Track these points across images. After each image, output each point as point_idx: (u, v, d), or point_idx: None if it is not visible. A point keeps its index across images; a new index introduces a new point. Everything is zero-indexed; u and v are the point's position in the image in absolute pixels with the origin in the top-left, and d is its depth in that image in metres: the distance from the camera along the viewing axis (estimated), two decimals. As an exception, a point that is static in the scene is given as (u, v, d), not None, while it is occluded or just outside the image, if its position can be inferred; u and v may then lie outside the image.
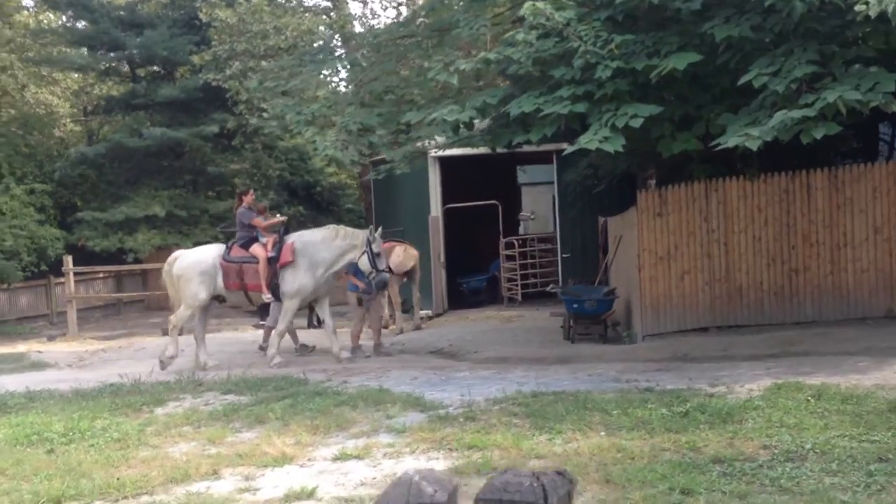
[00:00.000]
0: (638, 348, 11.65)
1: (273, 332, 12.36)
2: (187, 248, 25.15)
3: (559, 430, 6.78)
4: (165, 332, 18.08)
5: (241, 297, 12.14)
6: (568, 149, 8.89)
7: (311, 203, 30.82)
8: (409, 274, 16.46)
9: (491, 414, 7.54)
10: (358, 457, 6.45)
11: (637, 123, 8.16)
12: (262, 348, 13.14)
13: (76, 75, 29.42)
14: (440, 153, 18.42)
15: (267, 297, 11.85)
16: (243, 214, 12.26)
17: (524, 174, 23.19)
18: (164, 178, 26.65)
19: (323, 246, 11.80)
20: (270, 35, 20.26)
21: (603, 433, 6.66)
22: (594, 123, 8.29)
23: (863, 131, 15.09)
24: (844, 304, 11.42)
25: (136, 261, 24.43)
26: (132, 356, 14.04)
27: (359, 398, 8.44)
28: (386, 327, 16.77)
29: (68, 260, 19.28)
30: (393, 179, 22.53)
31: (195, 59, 23.08)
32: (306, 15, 24.21)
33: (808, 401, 7.37)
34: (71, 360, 14.05)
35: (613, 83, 8.40)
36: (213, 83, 20.83)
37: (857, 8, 6.90)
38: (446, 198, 20.13)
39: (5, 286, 21.45)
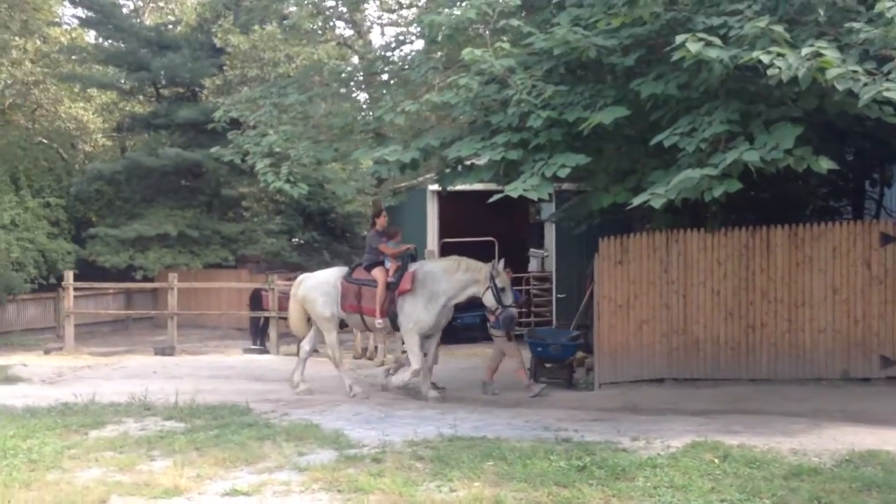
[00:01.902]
0: (592, 396, 11.71)
1: (410, 371, 11.72)
2: (196, 268, 25.86)
3: (450, 478, 6.88)
4: (158, 352, 18.56)
5: (358, 320, 11.97)
6: (494, 196, 9.07)
7: (326, 229, 31.28)
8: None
9: (400, 456, 7.65)
10: (247, 494, 6.61)
11: (564, 173, 8.32)
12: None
13: (110, 92, 30.32)
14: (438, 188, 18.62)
15: (380, 323, 11.60)
16: (373, 238, 12.02)
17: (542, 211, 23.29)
18: (179, 197, 27.27)
19: (444, 277, 11.40)
20: (282, 63, 20.71)
21: (489, 484, 6.73)
22: (526, 171, 8.47)
23: (849, 189, 15.07)
24: (800, 364, 11.35)
25: (146, 278, 25.00)
26: (107, 375, 14.35)
27: (285, 432, 8.61)
28: (370, 359, 17.04)
29: (69, 275, 19.79)
30: (398, 211, 22.85)
31: (207, 82, 23.67)
32: (329, 44, 24.78)
33: (713, 462, 7.38)
34: (48, 376, 14.39)
35: (548, 133, 8.59)
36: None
37: (770, 72, 6.99)
38: (445, 232, 20.35)
39: (12, 297, 22.05)
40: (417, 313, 11.33)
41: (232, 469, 7.32)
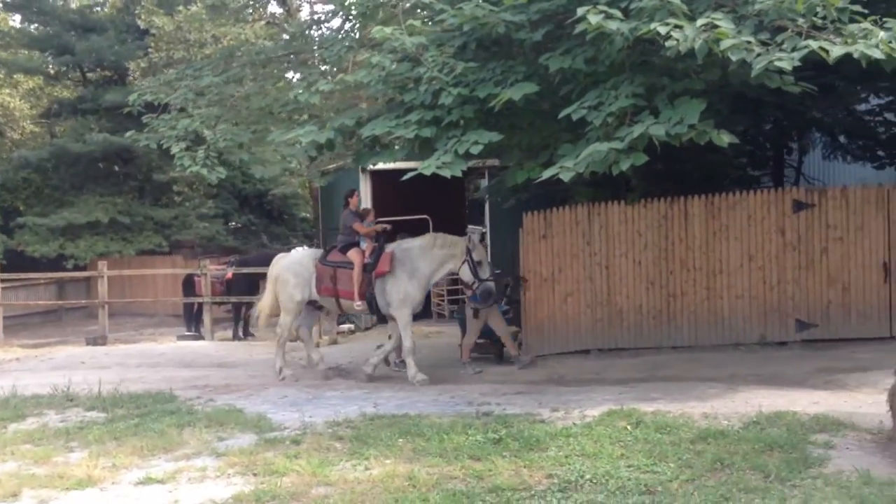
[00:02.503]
0: (515, 370, 11.84)
1: (403, 351, 11.38)
2: (129, 255, 25.46)
3: (367, 457, 6.95)
4: (90, 342, 18.26)
5: (333, 303, 11.66)
6: (408, 174, 9.11)
7: (262, 212, 30.99)
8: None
9: (320, 437, 7.69)
10: (161, 481, 6.59)
11: (477, 150, 8.38)
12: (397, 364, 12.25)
13: (36, 77, 29.50)
14: (371, 167, 18.56)
15: (359, 305, 11.35)
16: (347, 218, 11.71)
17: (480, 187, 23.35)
18: (110, 184, 26.76)
19: (421, 254, 11.18)
20: (208, 44, 20.38)
21: (405, 460, 6.81)
22: (440, 148, 8.51)
23: (770, 158, 15.42)
24: (719, 330, 11.65)
25: (77, 267, 24.51)
26: (34, 367, 14.09)
27: (206, 418, 8.58)
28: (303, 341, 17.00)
29: (-8, 267, 19.29)
30: (335, 191, 22.72)
31: (132, 65, 23.23)
32: (259, 23, 24.43)
33: (626, 429, 7.56)
34: (-28, 370, 14.09)
35: (461, 110, 8.64)
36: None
37: (668, 44, 7.12)
38: (380, 211, 20.29)
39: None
40: (405, 289, 11.06)
41: (149, 458, 7.29)
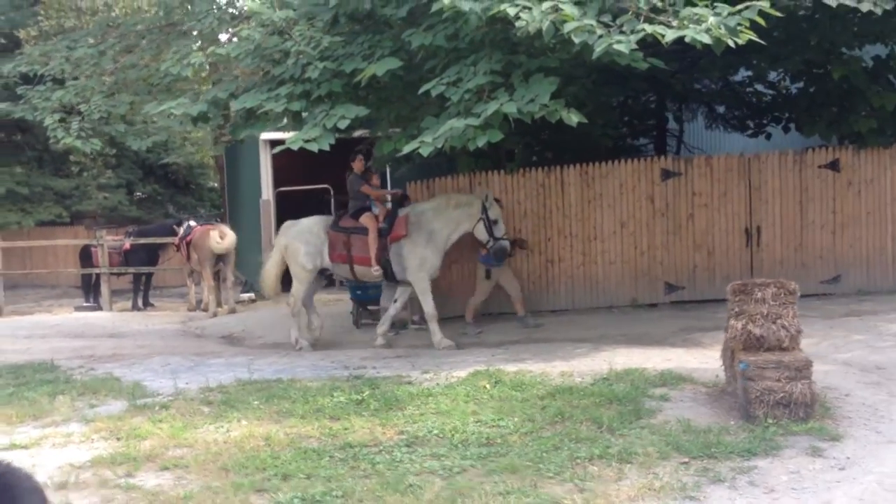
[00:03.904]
0: (409, 333, 12.23)
1: (426, 316, 11.06)
2: (29, 226, 24.95)
3: (231, 419, 7.23)
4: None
5: (347, 270, 11.33)
6: (277, 148, 9.31)
7: (168, 182, 30.60)
8: (223, 257, 16.71)
9: (190, 402, 7.92)
10: (25, 447, 6.75)
11: (344, 124, 8.63)
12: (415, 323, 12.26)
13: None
14: (270, 136, 18.61)
15: (376, 271, 10.95)
16: (354, 182, 11.30)
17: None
18: (6, 153, 26.04)
19: (436, 217, 10.86)
20: (101, 11, 20.00)
21: (270, 422, 7.12)
22: (309, 122, 8.73)
23: (654, 127, 16.01)
24: (594, 294, 12.21)
25: (-28, 239, 23.91)
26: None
27: (82, 387, 8.73)
28: (205, 310, 17.06)
29: None
30: (237, 161, 22.64)
31: (23, 34, 22.63)
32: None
33: (485, 387, 7.98)
34: None
35: (329, 84, 8.86)
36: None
37: (518, 24, 7.46)
38: (281, 181, 20.39)
39: None
40: (422, 253, 10.79)
41: (18, 425, 7.42)
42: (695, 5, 7.54)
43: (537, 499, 5.27)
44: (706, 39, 7.09)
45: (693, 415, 6.91)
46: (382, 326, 11.30)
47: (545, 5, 7.27)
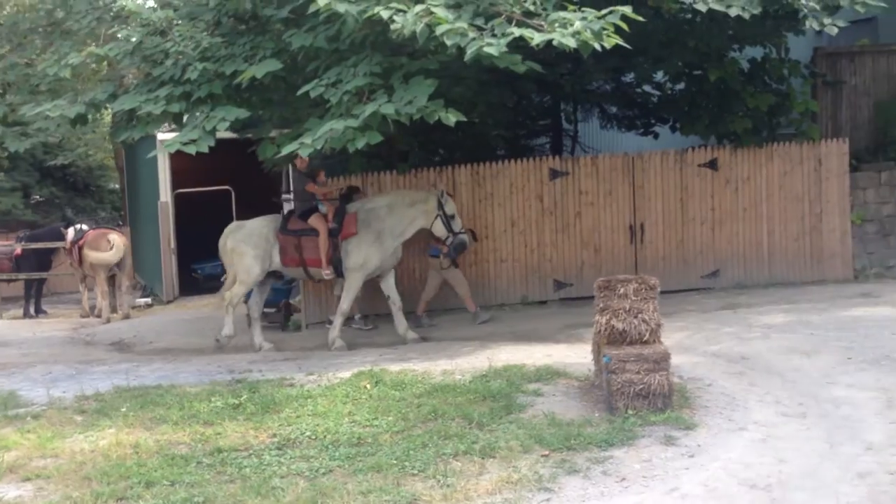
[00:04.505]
0: (295, 336, 12.20)
1: (338, 310, 10.95)
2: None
3: (102, 427, 7.12)
4: None
5: (301, 272, 11.14)
6: (152, 152, 9.21)
7: (66, 184, 29.76)
8: (117, 262, 16.35)
9: (64, 411, 7.77)
10: None
11: (224, 126, 8.58)
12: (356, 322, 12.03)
13: None
14: (168, 137, 18.26)
15: (327, 273, 10.81)
16: (298, 181, 11.09)
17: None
18: None
19: (389, 214, 10.75)
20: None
21: (137, 429, 7.03)
22: (189, 124, 8.65)
23: (549, 127, 16.29)
24: (487, 292, 12.37)
25: None
26: None
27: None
28: (98, 316, 16.67)
29: None
30: (136, 162, 22.15)
31: None
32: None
33: (365, 388, 8.03)
34: None
35: (209, 85, 8.80)
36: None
37: (393, 27, 7.54)
38: (181, 182, 20.04)
39: None
40: (365, 252, 10.70)
41: None
42: (566, 9, 7.74)
43: (397, 496, 5.36)
44: (572, 43, 7.29)
45: (562, 408, 7.11)
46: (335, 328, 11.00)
47: (418, 8, 7.38)
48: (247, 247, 11.01)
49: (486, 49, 7.34)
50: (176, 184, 19.83)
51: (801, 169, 12.31)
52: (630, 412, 6.64)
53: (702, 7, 9.28)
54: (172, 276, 19.57)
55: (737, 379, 7.86)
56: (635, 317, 6.99)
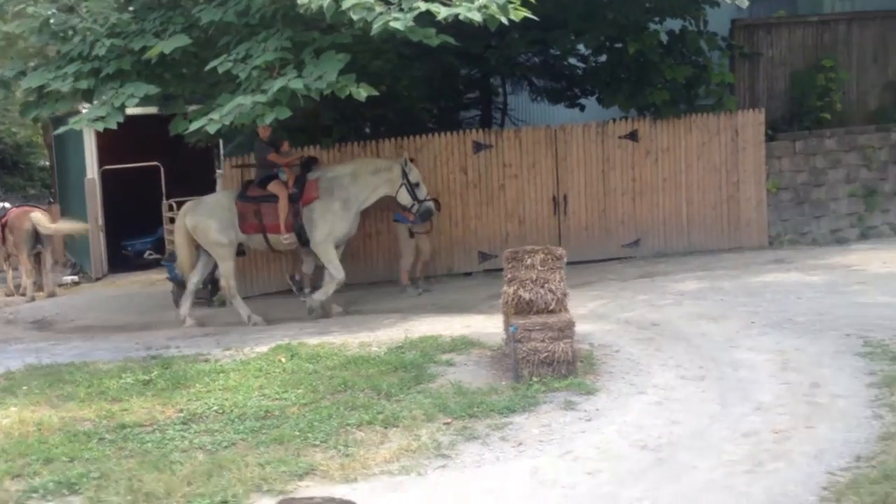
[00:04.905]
0: (221, 312, 12.12)
1: (333, 282, 10.74)
2: None
3: (7, 405, 7.05)
4: None
5: (261, 240, 10.95)
6: (61, 129, 9.06)
7: (-7, 161, 29.07)
8: (41, 240, 16.03)
9: (-31, 392, 7.66)
10: None
11: (133, 103, 8.47)
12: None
13: None
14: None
15: (286, 238, 10.70)
16: (261, 150, 10.96)
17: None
18: None
19: (352, 182, 10.70)
20: None
21: (43, 407, 6.97)
22: (97, 101, 8.51)
23: (478, 101, 16.30)
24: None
25: None
26: None
27: None
28: (23, 294, 16.35)
29: None
30: (66, 140, 21.62)
31: None
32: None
33: (280, 361, 8.06)
34: None
35: (118, 61, 8.65)
36: None
37: (301, 2, 7.49)
38: (108, 158, 19.66)
39: None
40: (332, 220, 10.65)
41: None
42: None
43: (295, 466, 5.41)
44: (478, 17, 7.33)
45: (471, 378, 7.22)
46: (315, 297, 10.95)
47: (322, -17, 7.33)
48: (210, 220, 10.86)
49: (393, 24, 7.35)
50: (104, 160, 19.47)
51: (718, 139, 12.55)
52: (535, 379, 6.77)
53: (612, -21, 9.37)
54: (101, 254, 19.27)
55: (644, 345, 8.04)
56: (542, 287, 7.11)
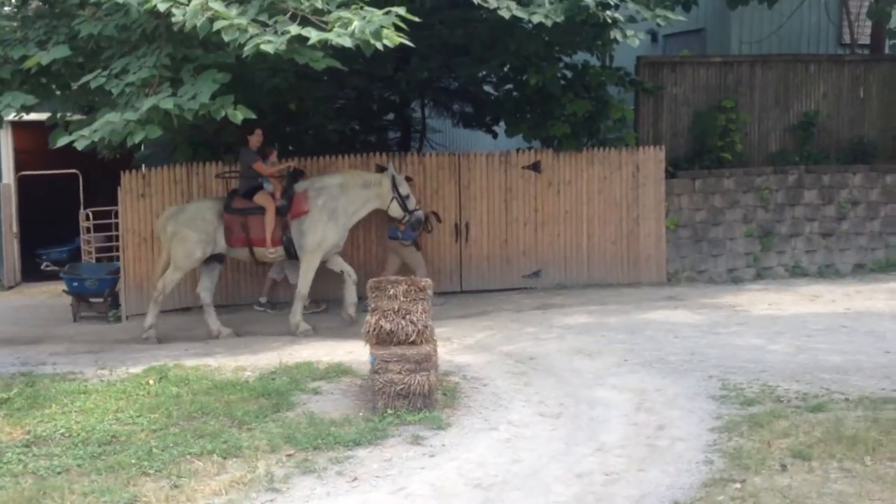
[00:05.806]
0: (115, 328, 11.93)
1: (296, 294, 10.75)
2: None
3: None
4: None
5: (246, 253, 10.73)
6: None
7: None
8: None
9: None
10: None
11: (9, 113, 8.35)
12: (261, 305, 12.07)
13: None
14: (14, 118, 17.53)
15: (272, 252, 10.53)
16: (246, 157, 10.70)
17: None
18: None
19: (342, 193, 10.62)
20: None
21: None
22: (-24, 109, 8.37)
23: (400, 124, 16.33)
24: (315, 286, 12.18)
25: None
26: None
27: None
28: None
29: None
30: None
31: None
32: None
33: (148, 384, 7.97)
34: None
35: (-3, 70, 8.53)
36: None
37: (174, 20, 7.44)
38: (26, 164, 19.30)
39: None
40: (323, 231, 10.53)
41: None
42: (350, 7, 7.80)
43: (118, 497, 5.34)
44: (348, 42, 7.36)
45: (333, 407, 7.22)
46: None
47: (194, 3, 7.30)
48: (190, 231, 10.60)
49: (264, 46, 7.34)
50: (21, 165, 19.11)
51: (619, 174, 12.74)
52: (389, 412, 6.79)
53: (505, 14, 9.49)
54: (14, 261, 18.86)
55: (516, 379, 8.12)
56: (403, 318, 7.13)
